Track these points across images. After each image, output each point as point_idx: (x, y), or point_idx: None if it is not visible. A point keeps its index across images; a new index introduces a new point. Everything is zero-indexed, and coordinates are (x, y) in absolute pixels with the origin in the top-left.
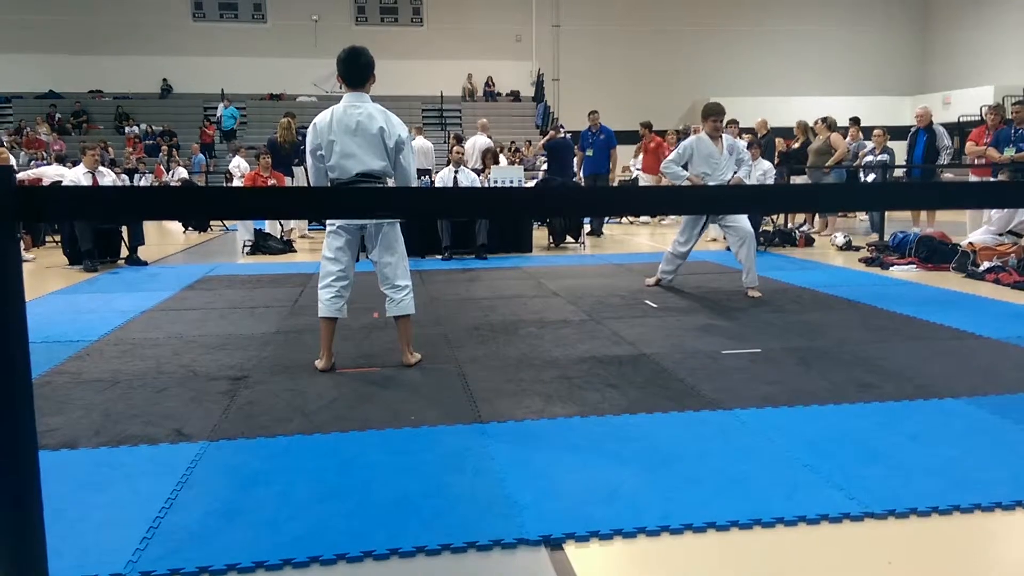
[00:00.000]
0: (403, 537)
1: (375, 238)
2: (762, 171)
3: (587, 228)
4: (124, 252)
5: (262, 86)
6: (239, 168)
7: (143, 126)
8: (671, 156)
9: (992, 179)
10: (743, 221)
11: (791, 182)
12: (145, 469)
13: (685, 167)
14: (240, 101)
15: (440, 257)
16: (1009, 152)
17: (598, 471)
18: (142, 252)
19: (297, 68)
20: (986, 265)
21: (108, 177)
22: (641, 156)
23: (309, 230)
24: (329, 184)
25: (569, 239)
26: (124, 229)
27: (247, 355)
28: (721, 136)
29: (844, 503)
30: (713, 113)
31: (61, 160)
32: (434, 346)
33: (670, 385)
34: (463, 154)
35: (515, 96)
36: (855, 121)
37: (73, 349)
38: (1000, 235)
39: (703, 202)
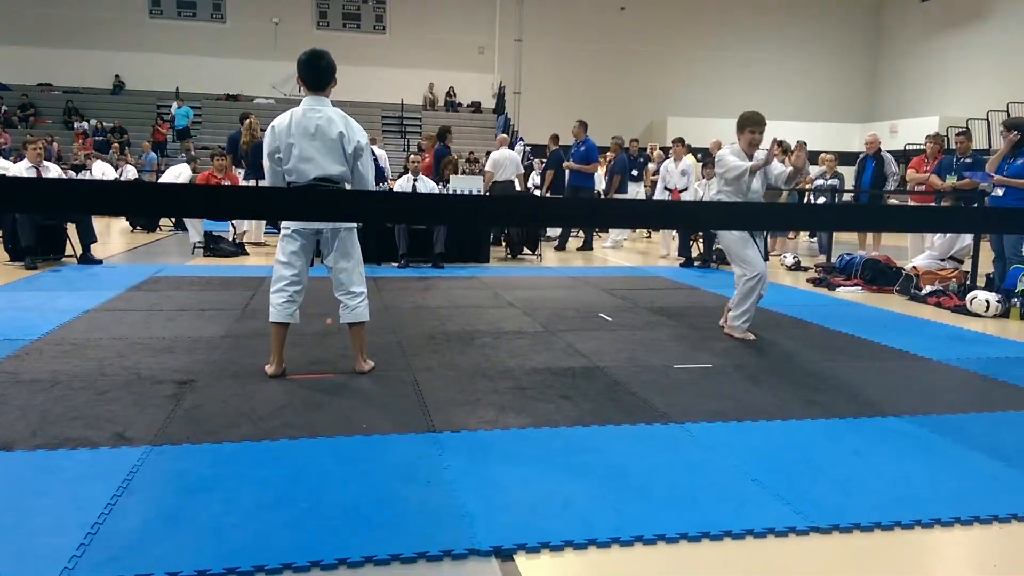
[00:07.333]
0: (352, 547)
1: (331, 243)
2: (716, 190)
3: (549, 241)
4: (70, 250)
5: (219, 86)
6: (180, 178)
7: (93, 122)
8: (731, 160)
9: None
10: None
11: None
12: (84, 473)
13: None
14: (195, 100)
15: (396, 264)
16: (951, 180)
17: (550, 482)
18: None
19: (255, 70)
20: (928, 289)
21: (53, 172)
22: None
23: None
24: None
25: (526, 251)
26: (71, 226)
27: (194, 359)
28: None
29: (790, 517)
30: (751, 123)
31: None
32: (388, 354)
33: (622, 398)
34: (419, 164)
35: (476, 107)
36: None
37: (11, 348)
38: (942, 260)
39: (655, 217)
